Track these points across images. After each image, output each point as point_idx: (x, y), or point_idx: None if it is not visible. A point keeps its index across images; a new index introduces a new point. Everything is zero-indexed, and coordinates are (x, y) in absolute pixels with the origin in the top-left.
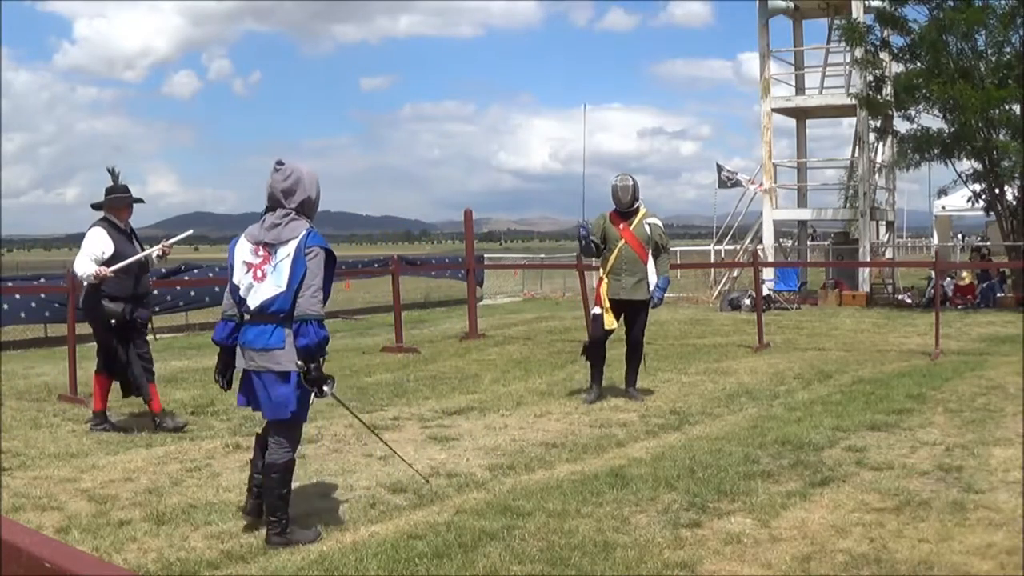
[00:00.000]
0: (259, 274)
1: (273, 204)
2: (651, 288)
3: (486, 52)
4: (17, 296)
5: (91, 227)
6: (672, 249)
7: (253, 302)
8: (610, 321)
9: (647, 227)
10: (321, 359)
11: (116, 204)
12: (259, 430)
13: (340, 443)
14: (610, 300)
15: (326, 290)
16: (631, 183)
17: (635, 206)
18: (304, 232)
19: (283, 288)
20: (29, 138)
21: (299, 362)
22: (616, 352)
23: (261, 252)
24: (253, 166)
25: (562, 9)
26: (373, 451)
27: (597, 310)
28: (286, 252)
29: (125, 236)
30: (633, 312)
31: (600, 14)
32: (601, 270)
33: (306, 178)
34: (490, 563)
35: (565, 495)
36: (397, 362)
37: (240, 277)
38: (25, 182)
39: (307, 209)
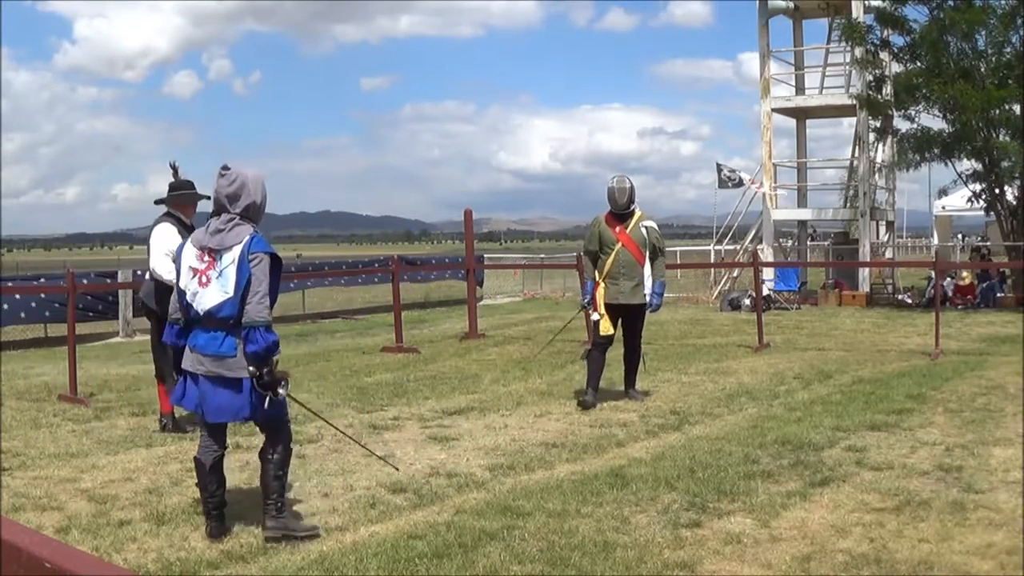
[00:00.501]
0: (204, 280)
1: (219, 209)
2: (648, 293)
3: (486, 52)
4: (17, 296)
5: (157, 223)
6: (672, 249)
7: (201, 307)
8: (606, 327)
9: (643, 230)
10: (274, 361)
11: (182, 201)
12: (196, 454)
13: (340, 443)
14: (608, 305)
15: (273, 294)
16: (628, 185)
17: (631, 208)
18: (248, 237)
19: (230, 294)
20: (29, 138)
21: (251, 368)
22: (614, 353)
23: (206, 258)
24: (253, 166)
25: (562, 9)
26: (372, 451)
27: (596, 316)
28: (231, 258)
29: (189, 232)
30: (631, 316)
31: (600, 14)
32: (598, 275)
33: (251, 183)
34: (490, 563)
35: (565, 495)
36: (397, 362)
37: (186, 282)
38: (25, 182)
39: (252, 213)
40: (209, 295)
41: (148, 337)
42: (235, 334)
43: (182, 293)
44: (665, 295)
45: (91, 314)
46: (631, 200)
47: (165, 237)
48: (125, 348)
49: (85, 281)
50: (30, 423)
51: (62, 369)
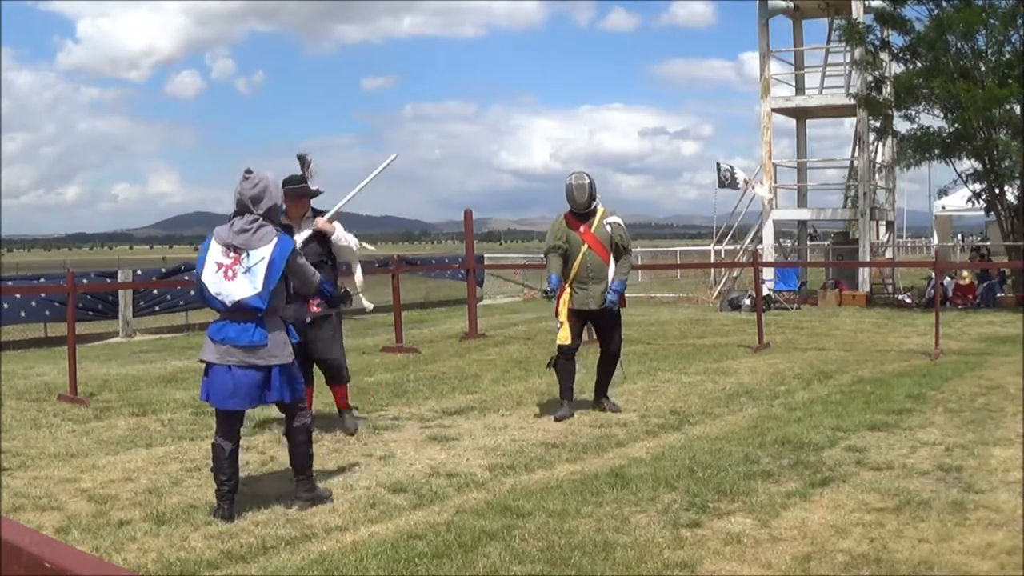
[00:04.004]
0: (230, 274)
1: (241, 209)
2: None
3: (488, 52)
4: (17, 296)
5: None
6: (672, 249)
7: (230, 299)
8: (565, 336)
9: (608, 227)
10: (341, 292)
11: (296, 194)
12: (216, 439)
13: (340, 443)
14: (576, 312)
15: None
16: (587, 181)
17: (593, 206)
18: (276, 239)
19: (258, 289)
20: (31, 138)
21: (331, 302)
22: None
23: (231, 254)
24: (253, 166)
25: (564, 9)
26: (373, 451)
27: (556, 324)
28: (260, 256)
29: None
30: (605, 322)
31: (602, 14)
32: (564, 280)
33: (272, 186)
34: (490, 563)
35: (565, 495)
36: (397, 362)
37: (210, 276)
38: (26, 182)
39: (273, 215)
40: (237, 288)
41: (148, 337)
42: (264, 325)
43: (204, 286)
44: (664, 295)
45: (91, 314)
46: (592, 197)
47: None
48: (125, 348)
49: (85, 281)
50: (30, 423)
51: (62, 369)
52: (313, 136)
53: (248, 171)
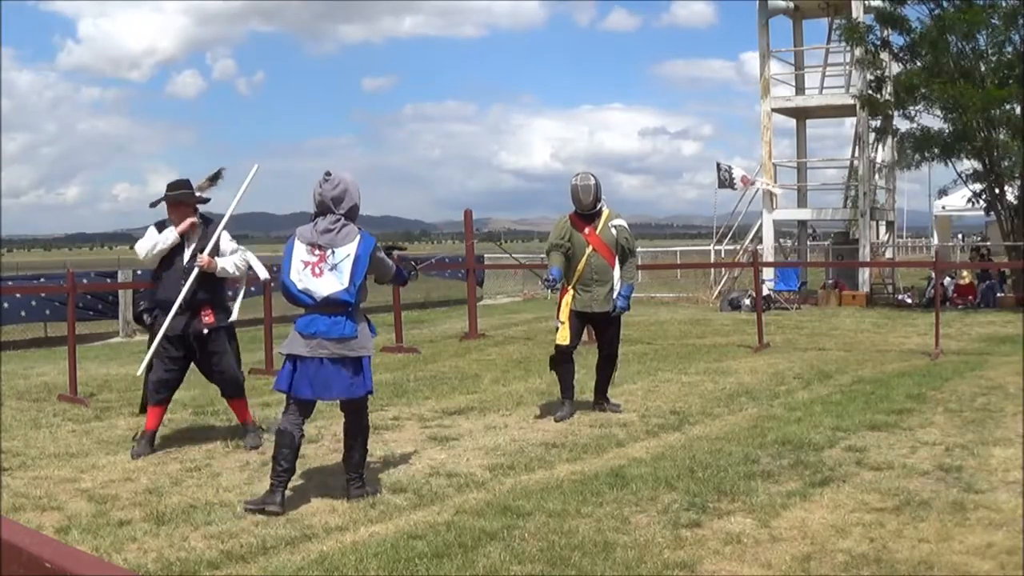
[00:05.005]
0: (317, 271)
1: (323, 210)
2: (615, 295)
3: (488, 52)
4: (17, 295)
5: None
6: (672, 249)
7: (319, 294)
8: (564, 336)
9: (613, 230)
10: (411, 271)
11: (182, 200)
12: (286, 426)
13: (340, 443)
14: (578, 313)
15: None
16: (592, 182)
17: (598, 207)
18: (359, 237)
19: (345, 285)
20: (31, 138)
21: (405, 273)
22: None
23: (317, 252)
24: (253, 166)
25: (565, 9)
26: (373, 451)
27: (557, 323)
28: (346, 253)
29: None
30: (606, 324)
31: (603, 14)
32: (566, 281)
33: (352, 187)
34: (490, 563)
35: (565, 495)
36: (397, 362)
37: (297, 274)
38: (26, 182)
39: (353, 214)
40: (325, 284)
41: (148, 337)
42: (354, 318)
43: (291, 284)
44: (664, 295)
45: (91, 313)
46: (597, 198)
47: (146, 238)
48: (125, 348)
49: (85, 281)
50: (30, 423)
51: (62, 369)
52: (313, 136)
53: (328, 173)
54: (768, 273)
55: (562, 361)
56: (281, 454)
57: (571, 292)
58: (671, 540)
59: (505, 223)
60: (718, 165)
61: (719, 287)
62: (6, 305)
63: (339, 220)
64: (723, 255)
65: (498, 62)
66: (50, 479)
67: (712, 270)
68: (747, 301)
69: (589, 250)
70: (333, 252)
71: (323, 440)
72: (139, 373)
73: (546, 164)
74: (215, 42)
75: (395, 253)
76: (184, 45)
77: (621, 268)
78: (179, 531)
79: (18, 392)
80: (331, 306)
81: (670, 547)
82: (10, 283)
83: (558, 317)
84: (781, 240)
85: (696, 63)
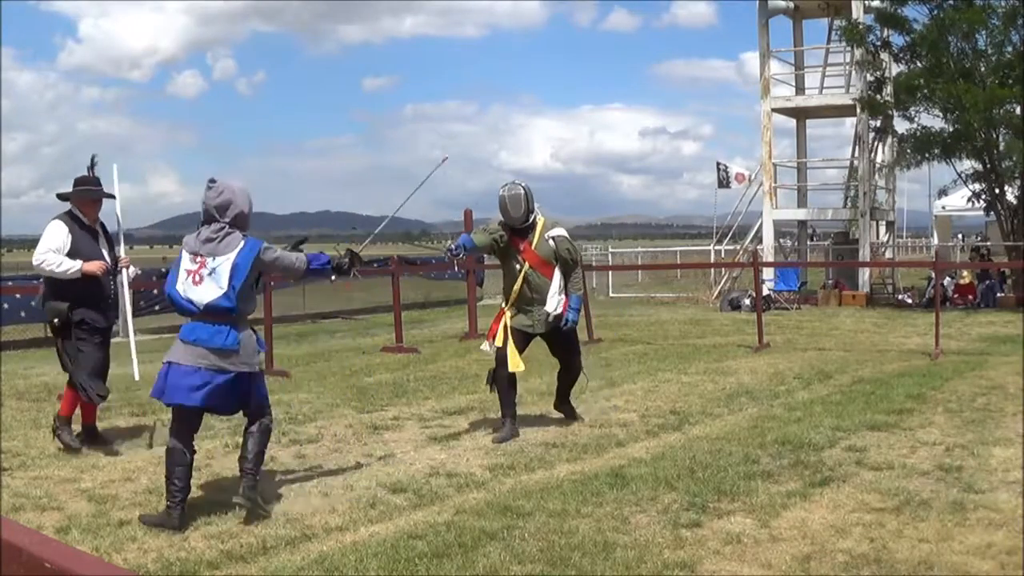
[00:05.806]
0: (197, 278)
1: (207, 219)
2: (558, 307)
3: (489, 52)
4: (17, 296)
5: (53, 220)
6: (672, 249)
7: (200, 301)
8: (515, 363)
9: (551, 242)
10: (342, 261)
11: (87, 197)
12: (173, 443)
13: (340, 443)
14: (522, 333)
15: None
16: (522, 191)
17: (531, 219)
18: (241, 244)
19: (224, 289)
20: (31, 138)
21: (337, 269)
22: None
23: (197, 260)
24: (254, 166)
25: (565, 10)
26: (373, 451)
27: (487, 347)
28: (224, 257)
29: (87, 232)
30: (559, 338)
31: (603, 15)
32: (504, 301)
33: (238, 194)
34: (490, 563)
35: (565, 495)
36: (397, 362)
37: (182, 284)
38: (26, 182)
39: (240, 222)
40: (204, 291)
41: (148, 337)
42: (238, 328)
43: (176, 294)
44: (664, 295)
45: None
46: (529, 209)
47: (55, 234)
48: (125, 348)
49: None
50: (30, 423)
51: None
52: (313, 136)
53: (212, 180)
54: (768, 273)
55: (506, 380)
56: (174, 472)
57: (508, 314)
58: (671, 540)
59: None
60: (718, 165)
61: (719, 287)
62: (6, 305)
63: (223, 228)
64: (723, 255)
65: (498, 62)
66: (50, 479)
67: (712, 270)
68: (747, 301)
69: (526, 268)
70: (213, 259)
71: (323, 440)
72: (137, 378)
73: (546, 164)
74: (216, 42)
75: (348, 254)
76: (185, 45)
77: (565, 282)
78: (179, 531)
79: (18, 392)
80: (213, 314)
81: (670, 547)
82: (10, 283)
83: (490, 339)
84: (781, 240)
85: (696, 63)
